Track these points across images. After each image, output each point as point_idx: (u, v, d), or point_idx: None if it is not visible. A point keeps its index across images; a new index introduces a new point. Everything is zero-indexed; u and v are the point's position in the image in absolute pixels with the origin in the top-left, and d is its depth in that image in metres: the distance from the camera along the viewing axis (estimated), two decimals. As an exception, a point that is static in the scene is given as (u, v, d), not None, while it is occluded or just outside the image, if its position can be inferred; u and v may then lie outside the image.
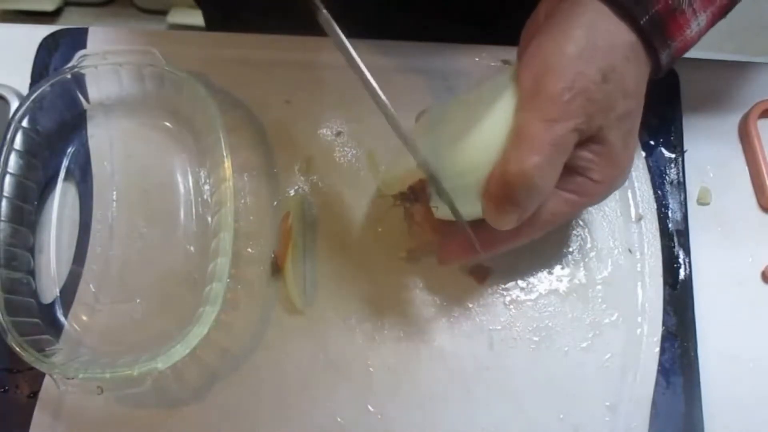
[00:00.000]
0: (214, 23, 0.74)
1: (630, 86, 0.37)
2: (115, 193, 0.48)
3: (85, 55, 0.46)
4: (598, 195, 0.40)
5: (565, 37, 0.37)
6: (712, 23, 0.39)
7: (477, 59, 0.53)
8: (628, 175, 0.41)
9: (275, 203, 0.48)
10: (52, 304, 0.45)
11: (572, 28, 0.37)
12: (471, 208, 0.39)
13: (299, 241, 0.47)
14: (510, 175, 0.36)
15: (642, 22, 0.37)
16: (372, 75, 0.37)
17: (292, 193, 0.49)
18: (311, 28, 0.37)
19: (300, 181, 0.49)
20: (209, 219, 0.47)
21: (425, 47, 0.53)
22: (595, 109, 0.36)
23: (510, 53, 0.53)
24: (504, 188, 0.37)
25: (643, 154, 0.51)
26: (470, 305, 0.47)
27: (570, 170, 0.39)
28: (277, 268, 0.46)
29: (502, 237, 0.40)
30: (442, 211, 0.41)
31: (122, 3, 1.55)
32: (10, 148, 0.44)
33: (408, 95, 0.51)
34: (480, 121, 0.38)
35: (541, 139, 0.36)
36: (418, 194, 0.41)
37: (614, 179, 0.40)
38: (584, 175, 0.39)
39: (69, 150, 0.48)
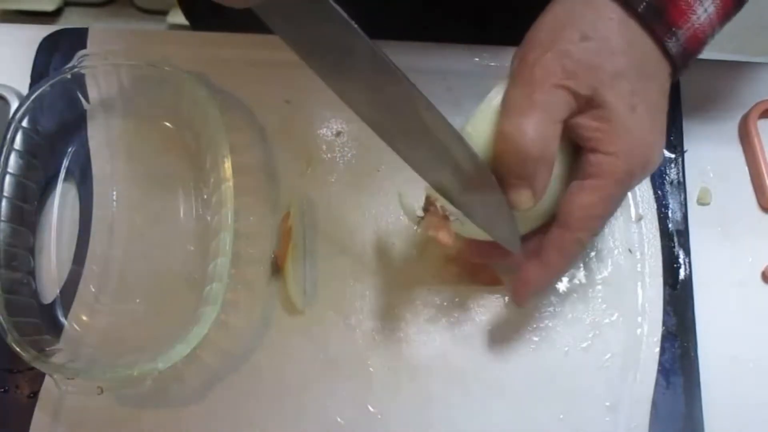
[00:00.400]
0: (197, 21, 0.73)
1: (617, 44, 0.37)
2: (115, 193, 0.48)
3: (85, 55, 0.46)
4: (620, 172, 0.37)
5: (546, 15, 0.38)
6: (725, 12, 0.38)
7: (477, 59, 0.53)
8: (655, 150, 0.38)
9: (275, 203, 0.48)
10: (52, 304, 0.45)
11: (553, 6, 0.38)
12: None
13: (299, 241, 0.47)
14: (503, 146, 0.36)
15: (640, 10, 0.36)
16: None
17: (292, 193, 0.49)
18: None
19: (300, 181, 0.49)
20: (209, 219, 0.47)
21: (425, 47, 0.53)
22: (576, 66, 0.36)
23: (510, 53, 0.53)
24: (499, 160, 0.37)
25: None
26: (470, 305, 0.47)
27: (582, 152, 0.38)
28: (277, 268, 0.46)
29: (554, 251, 0.39)
30: (468, 229, 0.40)
31: (122, 3, 1.55)
32: (10, 148, 0.44)
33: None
34: (473, 114, 0.39)
35: (524, 103, 0.36)
36: (428, 207, 0.41)
37: (632, 150, 0.37)
38: (596, 150, 0.37)
39: (69, 150, 0.48)
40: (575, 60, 0.36)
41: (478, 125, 0.38)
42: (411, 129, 0.36)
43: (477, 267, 0.47)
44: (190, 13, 0.74)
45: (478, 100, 0.51)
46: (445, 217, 0.40)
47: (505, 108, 0.37)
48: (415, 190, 0.48)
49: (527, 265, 0.40)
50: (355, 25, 0.33)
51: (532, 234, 0.41)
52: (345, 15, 0.33)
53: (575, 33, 0.36)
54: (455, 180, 0.37)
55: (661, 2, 0.37)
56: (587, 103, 0.37)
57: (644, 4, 0.36)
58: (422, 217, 0.41)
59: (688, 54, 0.38)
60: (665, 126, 0.39)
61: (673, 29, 0.37)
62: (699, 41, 0.38)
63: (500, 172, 0.37)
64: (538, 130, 0.36)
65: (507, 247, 0.40)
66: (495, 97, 0.39)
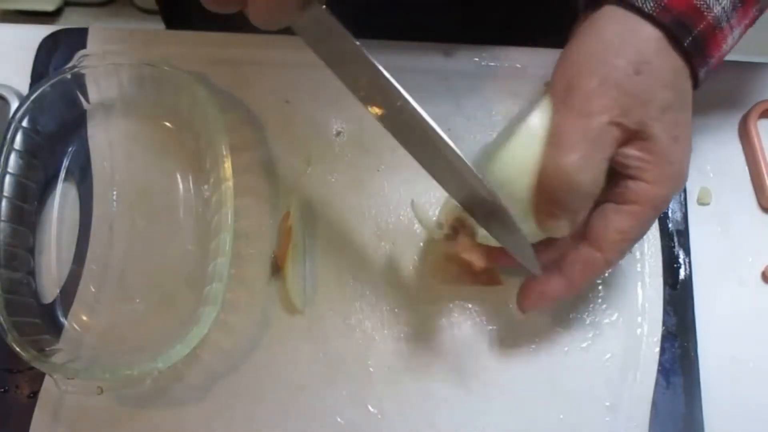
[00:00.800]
0: (172, 21, 0.72)
1: (666, 78, 0.37)
2: (115, 193, 0.48)
3: (85, 55, 0.46)
4: (659, 199, 0.38)
5: (593, 39, 0.37)
6: (741, 36, 0.40)
7: (477, 59, 0.53)
8: (687, 173, 0.39)
9: (275, 203, 0.48)
10: (52, 304, 0.45)
11: (600, 30, 0.37)
12: (521, 227, 0.38)
13: (299, 241, 0.47)
14: (548, 176, 0.36)
15: (686, 45, 0.37)
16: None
17: (292, 193, 0.49)
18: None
19: (300, 181, 0.49)
20: (209, 219, 0.47)
21: (425, 47, 0.53)
22: (630, 102, 0.36)
23: (510, 53, 0.53)
24: (546, 191, 0.37)
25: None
26: (470, 305, 0.47)
27: (623, 178, 0.38)
28: (277, 268, 0.46)
29: (581, 268, 0.40)
30: (484, 239, 0.40)
31: (122, 3, 1.55)
32: (10, 148, 0.44)
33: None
34: (512, 134, 0.38)
35: (576, 135, 0.36)
36: (457, 229, 0.41)
37: (671, 179, 0.38)
38: (637, 178, 0.38)
39: (69, 150, 0.48)
40: (630, 95, 0.36)
41: (515, 150, 0.38)
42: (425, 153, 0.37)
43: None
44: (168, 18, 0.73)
45: (478, 101, 0.52)
46: (473, 236, 0.40)
47: (558, 140, 0.36)
48: (423, 196, 0.48)
49: (548, 278, 0.41)
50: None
51: (545, 245, 0.41)
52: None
53: (629, 65, 0.36)
54: (481, 206, 0.38)
55: (704, 36, 0.37)
56: (634, 135, 0.37)
57: (690, 39, 0.37)
58: (447, 234, 0.41)
59: (706, 77, 0.39)
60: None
61: (708, 59, 0.38)
62: (718, 64, 0.39)
63: (543, 199, 0.37)
64: (591, 168, 0.36)
65: (528, 267, 0.40)
66: (535, 122, 0.37)
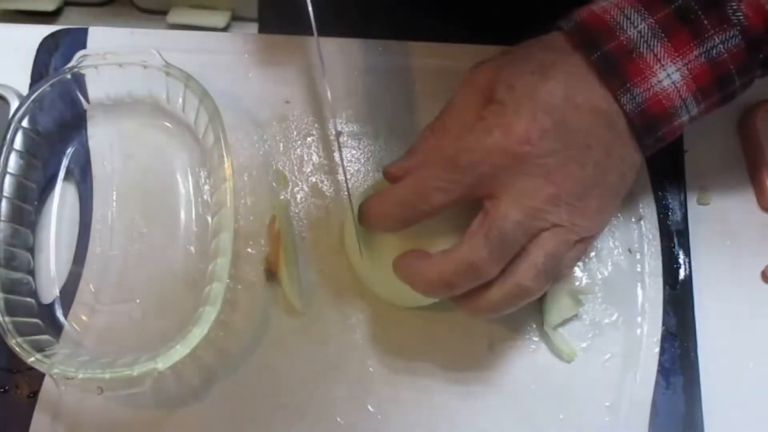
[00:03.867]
0: (269, 25, 0.74)
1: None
2: (115, 193, 0.48)
3: (85, 55, 0.46)
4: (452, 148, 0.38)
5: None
6: (698, 87, 0.37)
7: (477, 59, 0.53)
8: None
9: (275, 203, 0.48)
10: (52, 304, 0.45)
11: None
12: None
13: (289, 244, 0.46)
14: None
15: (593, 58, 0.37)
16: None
17: (291, 193, 0.48)
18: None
19: (300, 182, 0.49)
20: (209, 219, 0.47)
21: (425, 47, 0.53)
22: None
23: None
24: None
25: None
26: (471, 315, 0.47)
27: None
28: (271, 274, 0.46)
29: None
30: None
31: (122, 3, 1.55)
32: (10, 148, 0.44)
33: (407, 95, 0.51)
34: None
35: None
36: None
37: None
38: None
39: (69, 150, 0.48)
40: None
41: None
42: None
43: None
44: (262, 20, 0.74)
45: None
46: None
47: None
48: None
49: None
50: None
51: None
52: None
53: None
54: None
55: (616, 55, 0.37)
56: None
57: (598, 53, 0.37)
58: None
59: (650, 118, 0.37)
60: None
61: (628, 85, 0.37)
62: (663, 108, 0.37)
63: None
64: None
65: None
66: None
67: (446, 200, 0.38)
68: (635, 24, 0.37)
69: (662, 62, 0.36)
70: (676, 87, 0.37)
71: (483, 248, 0.36)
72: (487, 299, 0.38)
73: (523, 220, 0.36)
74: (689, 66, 0.37)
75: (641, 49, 0.36)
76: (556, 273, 0.38)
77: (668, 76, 0.36)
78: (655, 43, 0.36)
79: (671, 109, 0.37)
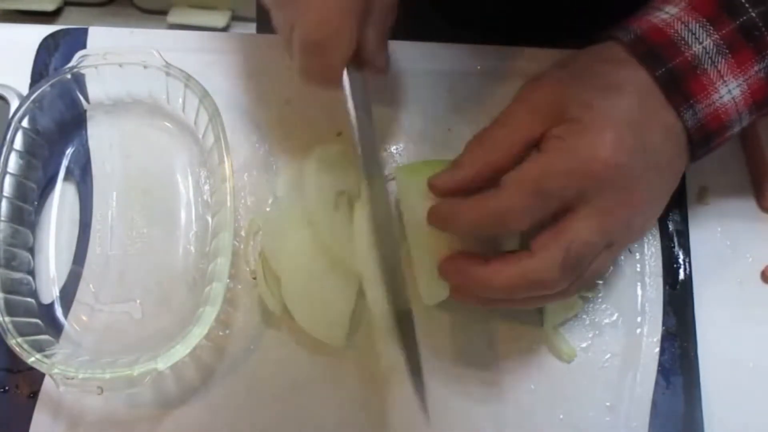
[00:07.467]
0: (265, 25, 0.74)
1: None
2: (115, 193, 0.48)
3: (85, 55, 0.46)
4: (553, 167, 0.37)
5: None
6: (753, 101, 0.38)
7: (478, 60, 0.53)
8: (601, 169, 0.36)
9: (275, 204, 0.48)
10: (51, 304, 0.45)
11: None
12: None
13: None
14: None
15: (657, 74, 0.37)
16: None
17: (250, 216, 0.48)
18: None
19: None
20: (209, 219, 0.47)
21: (425, 47, 0.53)
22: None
23: (512, 53, 0.53)
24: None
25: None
26: (470, 305, 0.47)
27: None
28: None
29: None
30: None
31: (122, 3, 1.55)
32: (10, 148, 0.44)
33: (407, 95, 0.51)
34: None
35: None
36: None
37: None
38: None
39: (69, 150, 0.48)
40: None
41: None
42: None
43: None
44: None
45: (478, 103, 0.51)
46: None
47: None
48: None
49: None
50: None
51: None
52: None
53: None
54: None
55: (681, 71, 0.37)
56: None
57: (663, 69, 0.37)
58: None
59: (707, 132, 0.38)
60: None
61: (691, 101, 0.37)
62: (721, 122, 0.38)
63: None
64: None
65: None
66: None
67: (525, 226, 0.36)
68: (700, 40, 0.37)
69: (725, 78, 0.37)
70: (735, 102, 0.37)
71: (558, 268, 0.36)
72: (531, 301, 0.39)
73: (599, 243, 0.36)
74: (749, 81, 0.37)
75: (705, 66, 0.37)
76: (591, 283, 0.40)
77: (729, 91, 0.37)
78: (720, 60, 0.37)
79: (728, 123, 0.38)
